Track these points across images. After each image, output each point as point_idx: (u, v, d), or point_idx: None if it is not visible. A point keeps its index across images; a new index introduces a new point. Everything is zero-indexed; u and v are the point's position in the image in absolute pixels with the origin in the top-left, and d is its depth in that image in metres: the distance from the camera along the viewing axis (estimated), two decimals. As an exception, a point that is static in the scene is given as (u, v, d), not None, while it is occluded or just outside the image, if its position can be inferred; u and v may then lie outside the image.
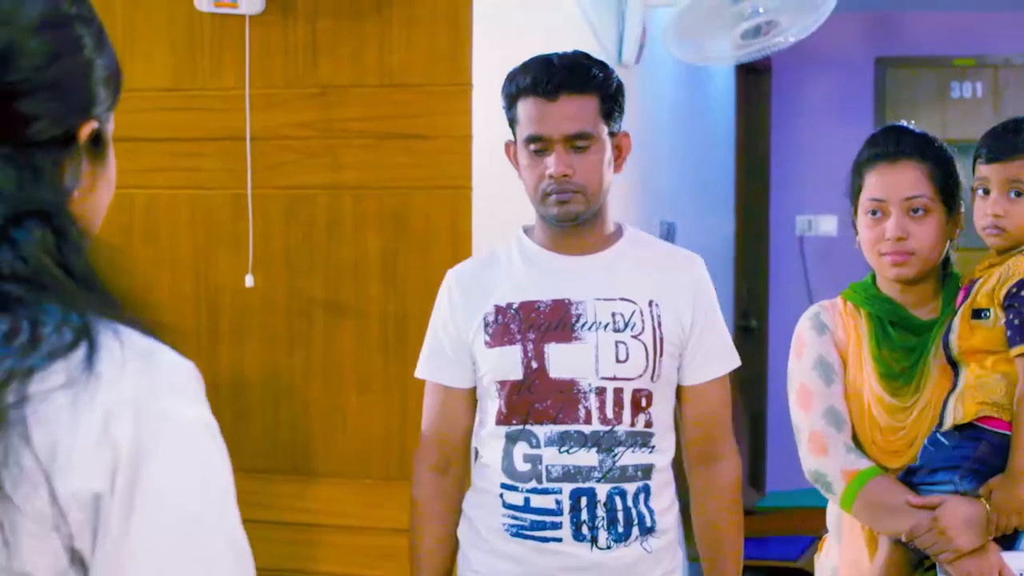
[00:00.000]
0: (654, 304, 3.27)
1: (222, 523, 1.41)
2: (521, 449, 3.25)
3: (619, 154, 3.33)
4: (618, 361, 3.22)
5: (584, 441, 3.20)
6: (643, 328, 3.25)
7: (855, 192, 3.39)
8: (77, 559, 1.34)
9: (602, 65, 3.30)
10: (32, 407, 1.32)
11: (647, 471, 3.25)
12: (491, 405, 3.30)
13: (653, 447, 3.26)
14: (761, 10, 5.23)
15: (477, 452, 3.42)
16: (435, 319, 3.45)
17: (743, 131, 8.83)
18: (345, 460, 4.32)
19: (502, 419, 3.28)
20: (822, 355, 3.37)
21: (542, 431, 3.22)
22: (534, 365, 3.23)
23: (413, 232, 4.23)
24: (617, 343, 3.23)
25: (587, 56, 3.32)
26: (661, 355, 3.26)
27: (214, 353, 4.41)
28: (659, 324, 3.26)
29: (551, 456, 3.22)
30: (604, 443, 3.20)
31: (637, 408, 3.24)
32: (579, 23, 5.10)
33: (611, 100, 3.26)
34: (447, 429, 3.42)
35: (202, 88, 4.41)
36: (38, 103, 1.42)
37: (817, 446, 3.30)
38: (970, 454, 3.13)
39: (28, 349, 1.33)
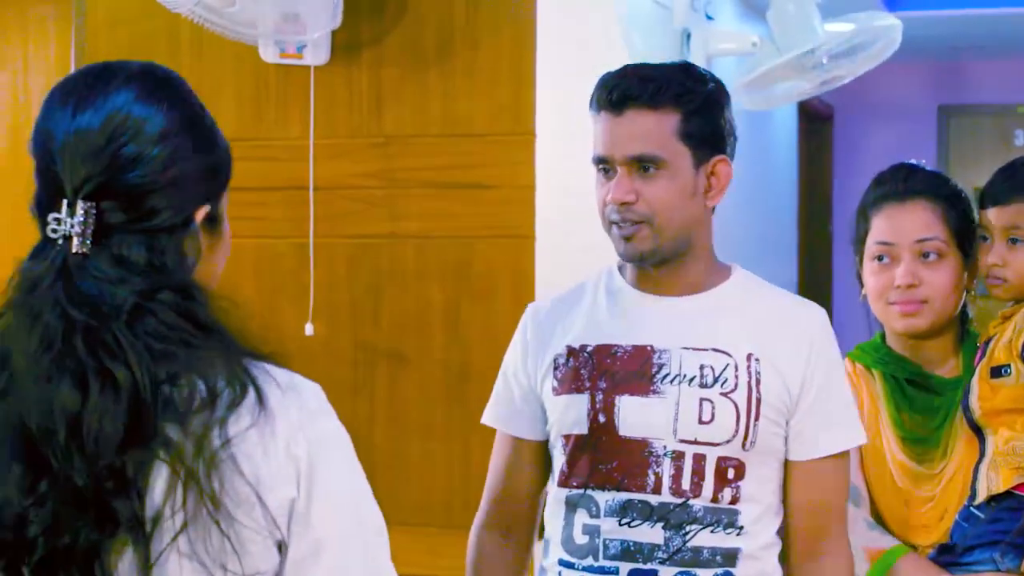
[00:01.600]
0: (753, 359, 2.69)
1: (366, 497, 1.87)
2: (581, 518, 2.73)
3: (712, 183, 2.74)
4: (701, 422, 2.66)
5: (649, 513, 2.67)
6: (736, 385, 2.67)
7: (860, 238, 3.10)
8: (282, 549, 1.77)
9: (696, 77, 2.75)
10: (236, 446, 1.72)
11: (730, 557, 2.67)
12: (556, 462, 2.81)
13: (741, 528, 2.67)
14: (825, 61, 5.23)
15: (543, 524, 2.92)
16: (507, 359, 2.95)
17: (806, 180, 8.82)
18: (408, 509, 4.32)
19: (563, 480, 2.77)
20: None
21: (603, 498, 2.70)
22: (601, 419, 2.70)
23: (476, 281, 4.25)
24: (702, 400, 2.67)
25: (682, 66, 2.79)
26: (757, 419, 2.67)
27: (278, 401, 4.42)
28: (757, 382, 2.68)
29: (610, 528, 2.69)
30: (673, 518, 2.65)
31: (722, 480, 2.66)
32: (641, 72, 5.10)
33: (699, 118, 2.70)
34: (512, 487, 2.94)
35: (267, 138, 4.45)
36: (162, 198, 1.78)
37: None
38: (1011, 527, 2.81)
39: (210, 403, 1.71)
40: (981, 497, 2.85)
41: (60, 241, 1.75)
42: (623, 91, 2.70)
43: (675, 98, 2.68)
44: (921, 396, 3.01)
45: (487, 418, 2.99)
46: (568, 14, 4.48)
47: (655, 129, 2.68)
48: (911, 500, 2.96)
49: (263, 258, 4.46)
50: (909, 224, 2.99)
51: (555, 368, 2.80)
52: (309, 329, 4.35)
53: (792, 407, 2.70)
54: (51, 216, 1.76)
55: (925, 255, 2.97)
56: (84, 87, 1.82)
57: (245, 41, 4.25)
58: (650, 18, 5.27)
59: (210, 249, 1.87)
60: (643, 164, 2.69)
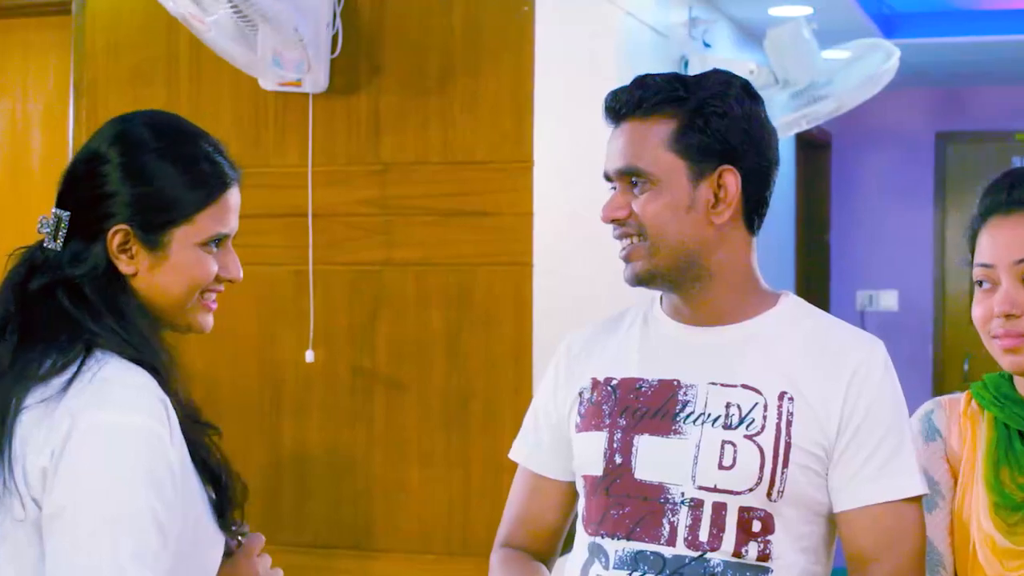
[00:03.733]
0: (787, 398, 2.41)
1: (117, 489, 2.03)
2: (595, 569, 2.47)
3: (719, 198, 2.45)
4: (721, 467, 2.39)
5: (661, 567, 2.40)
6: (763, 427, 2.40)
7: (970, 260, 2.51)
8: (38, 506, 2.06)
9: (694, 82, 2.49)
10: (25, 413, 2.08)
11: None
12: (580, 505, 2.58)
13: None
14: (818, 114, 5.28)
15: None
16: (538, 392, 2.71)
17: (803, 206, 8.83)
18: (407, 536, 4.32)
19: (584, 524, 2.53)
20: (926, 470, 2.48)
21: (613, 547, 2.44)
22: (617, 460, 2.46)
23: (475, 308, 4.25)
24: (724, 443, 2.40)
25: (716, 74, 2.52)
26: (785, 466, 2.39)
27: (277, 428, 4.43)
28: (788, 424, 2.40)
29: None
30: (688, 573, 2.38)
31: (745, 533, 2.39)
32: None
33: (697, 126, 2.44)
34: (532, 520, 2.68)
35: (266, 165, 4.45)
36: (85, 215, 2.20)
37: None
38: None
39: (25, 374, 2.10)
40: None
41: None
42: (615, 102, 2.51)
43: (664, 106, 2.45)
44: None
45: (513, 452, 2.73)
46: (567, 43, 4.50)
47: (641, 140, 2.46)
48: None
49: (262, 285, 4.46)
50: (1009, 241, 2.41)
51: (579, 403, 2.57)
52: (310, 356, 4.35)
53: (831, 452, 2.41)
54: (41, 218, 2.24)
55: None
56: None
57: (236, 64, 4.26)
58: (648, 46, 5.29)
59: (152, 265, 2.21)
60: (631, 178, 2.46)
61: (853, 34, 6.05)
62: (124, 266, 2.19)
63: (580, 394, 2.57)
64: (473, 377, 4.25)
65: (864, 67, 5.32)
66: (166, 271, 2.23)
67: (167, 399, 2.12)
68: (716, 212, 2.45)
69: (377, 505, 4.36)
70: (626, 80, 2.55)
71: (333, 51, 4.31)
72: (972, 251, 2.49)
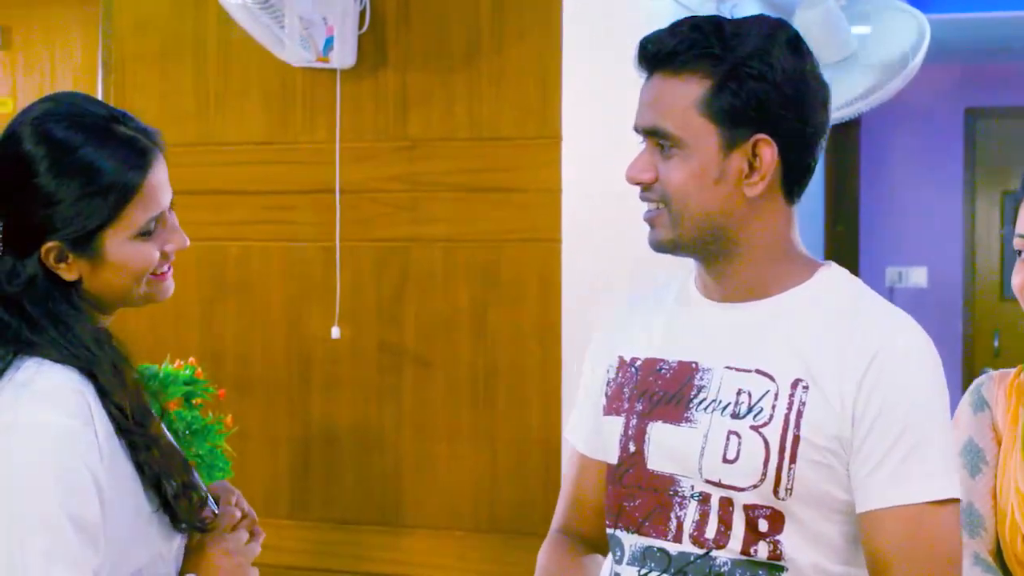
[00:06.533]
0: (801, 386, 2.16)
1: (30, 491, 2.00)
2: (611, 563, 2.33)
3: (753, 168, 2.20)
4: (725, 460, 2.17)
5: (666, 565, 2.22)
6: (771, 418, 2.15)
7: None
8: None
9: (735, 34, 2.19)
10: None
11: None
12: None
13: None
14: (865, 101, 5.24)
15: None
16: (583, 367, 2.51)
17: (832, 183, 8.80)
18: (435, 512, 4.32)
19: (605, 515, 2.37)
20: (973, 438, 2.55)
21: (628, 541, 2.28)
22: (631, 448, 2.27)
23: (503, 285, 4.24)
24: (730, 434, 2.18)
25: (736, 21, 2.23)
26: (793, 461, 2.14)
27: (306, 404, 4.43)
28: (799, 416, 2.14)
29: None
30: (693, 572, 2.20)
31: (753, 532, 2.16)
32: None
33: (732, 89, 2.17)
34: (579, 502, 2.48)
35: (294, 142, 4.46)
36: (9, 234, 2.16)
37: None
38: None
39: None
40: None
41: None
42: (646, 51, 2.24)
43: (699, 63, 2.18)
44: None
45: (566, 428, 2.56)
46: (594, 17, 4.48)
47: (671, 99, 2.20)
48: None
49: (290, 261, 4.47)
50: None
51: (607, 382, 2.38)
52: (336, 332, 4.36)
53: (848, 446, 2.15)
54: None
55: None
56: None
57: (263, 44, 4.27)
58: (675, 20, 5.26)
59: (93, 270, 2.17)
60: (658, 140, 2.21)
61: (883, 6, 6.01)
62: (66, 274, 2.17)
63: (607, 371, 2.39)
64: (500, 354, 4.25)
65: (896, 39, 5.29)
66: (107, 271, 2.19)
67: (88, 391, 2.09)
68: (749, 183, 2.20)
69: (405, 481, 4.36)
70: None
71: (361, 28, 4.31)
72: (1014, 223, 2.51)
